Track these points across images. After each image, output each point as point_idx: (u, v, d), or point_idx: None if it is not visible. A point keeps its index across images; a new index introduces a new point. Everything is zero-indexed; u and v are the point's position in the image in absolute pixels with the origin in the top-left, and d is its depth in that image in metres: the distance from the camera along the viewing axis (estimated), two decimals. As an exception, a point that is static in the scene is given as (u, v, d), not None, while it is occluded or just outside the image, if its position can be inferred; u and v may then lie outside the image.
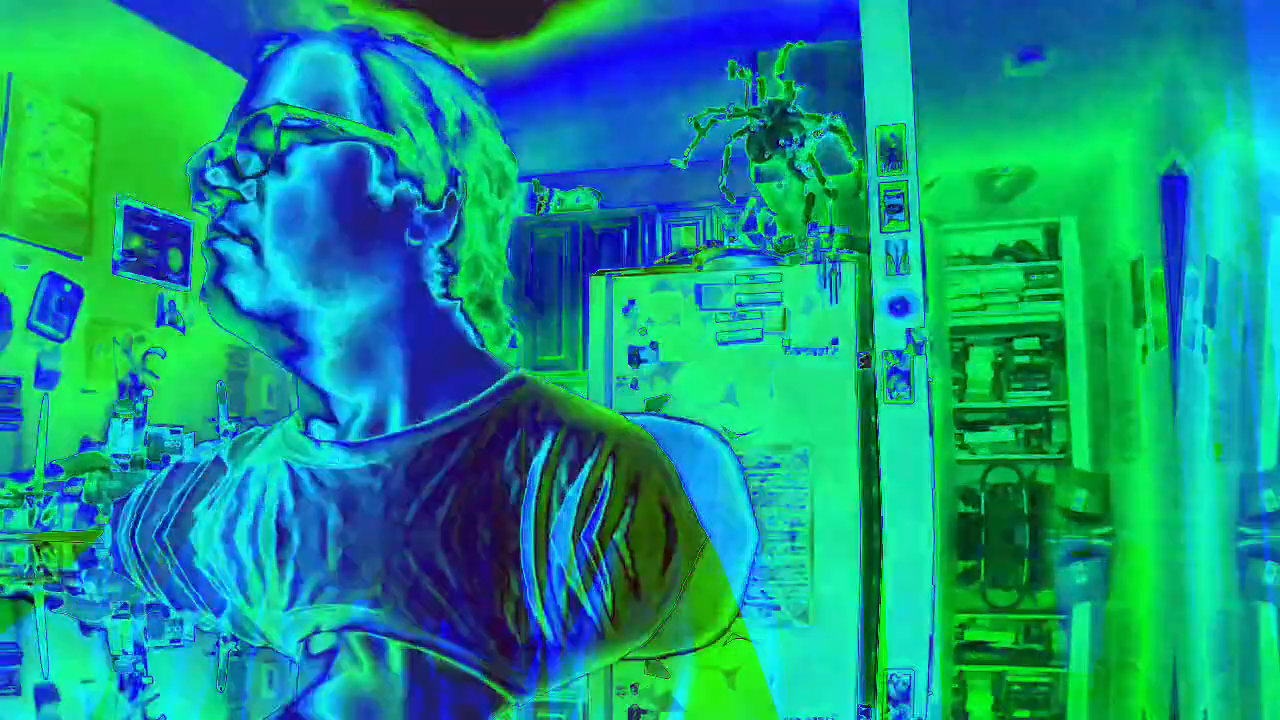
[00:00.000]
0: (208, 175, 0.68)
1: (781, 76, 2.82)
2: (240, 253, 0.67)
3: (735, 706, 0.73)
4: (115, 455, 2.94)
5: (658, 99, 4.02)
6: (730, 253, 2.78)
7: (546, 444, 0.69)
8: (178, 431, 3.19)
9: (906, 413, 2.60)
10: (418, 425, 0.72)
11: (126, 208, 3.40)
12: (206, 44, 3.67)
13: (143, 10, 3.44)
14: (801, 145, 2.74)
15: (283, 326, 0.69)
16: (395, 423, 0.72)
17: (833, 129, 2.72)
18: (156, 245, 3.53)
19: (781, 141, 2.76)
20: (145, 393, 3.24)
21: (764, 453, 2.51)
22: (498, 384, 0.75)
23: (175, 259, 3.62)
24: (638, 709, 0.67)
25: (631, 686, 0.70)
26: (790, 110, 2.78)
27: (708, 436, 0.85)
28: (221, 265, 0.68)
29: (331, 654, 0.69)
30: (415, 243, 0.72)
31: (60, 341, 3.11)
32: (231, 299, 0.67)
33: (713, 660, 0.79)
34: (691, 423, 0.85)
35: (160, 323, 3.53)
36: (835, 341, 2.56)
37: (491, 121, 0.77)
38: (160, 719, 0.75)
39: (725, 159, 2.76)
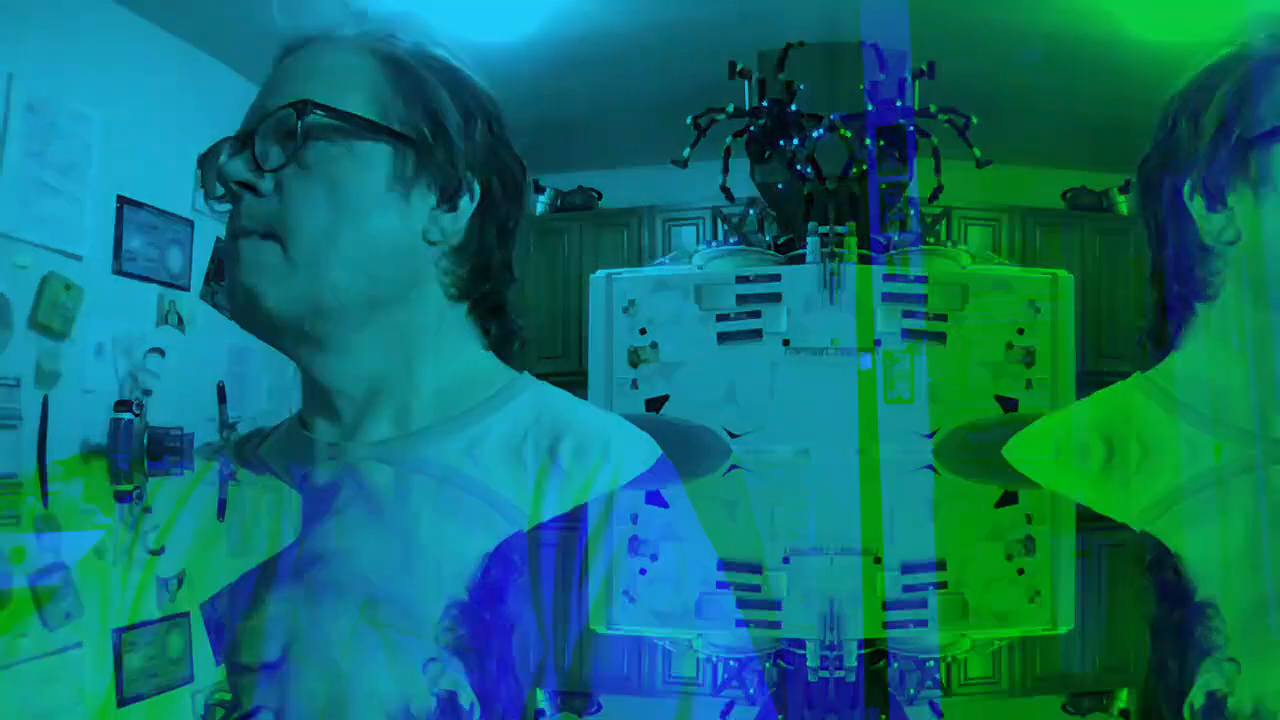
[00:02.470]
0: (226, 168, 0.68)
1: (781, 76, 2.83)
2: (266, 251, 0.67)
3: (733, 537, 0.74)
4: (115, 455, 2.94)
5: (658, 99, 4.02)
6: (731, 252, 2.79)
7: (550, 448, 0.70)
8: (178, 431, 3.19)
9: (907, 413, 2.60)
10: (424, 425, 0.72)
11: (126, 208, 3.40)
12: (207, 44, 3.67)
13: (143, 10, 3.44)
14: (801, 145, 2.75)
15: (302, 324, 0.69)
16: (401, 422, 0.73)
17: (832, 129, 2.72)
18: (156, 245, 3.54)
19: (781, 142, 2.77)
20: (145, 393, 3.24)
21: (763, 452, 2.51)
22: (504, 386, 0.75)
23: (175, 259, 3.62)
24: (638, 539, 0.68)
25: (632, 517, 0.70)
26: (790, 110, 2.78)
27: (712, 440, 0.86)
28: (246, 264, 0.68)
29: (335, 484, 0.71)
30: (429, 243, 0.72)
31: (60, 341, 3.11)
32: (257, 298, 0.67)
33: (713, 491, 0.81)
34: (697, 425, 0.85)
35: (160, 323, 3.53)
36: (835, 341, 2.56)
37: (505, 128, 0.78)
38: (160, 550, 0.76)
39: (725, 159, 2.77)
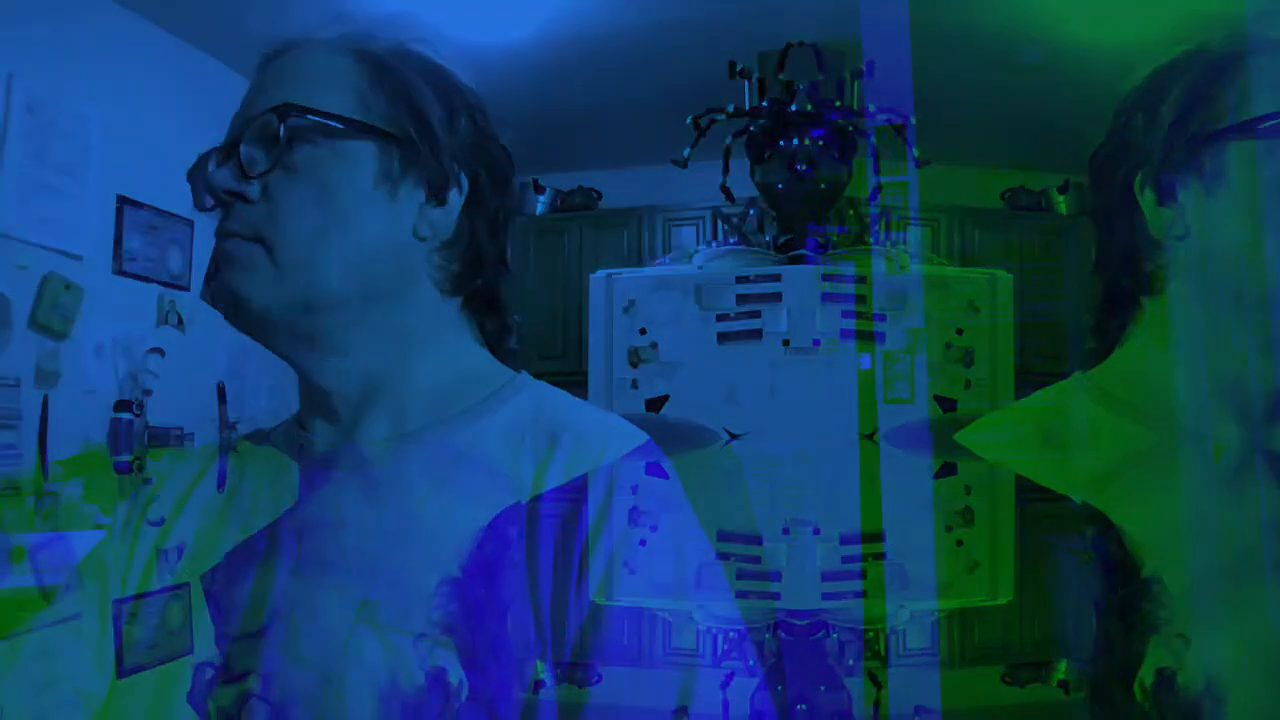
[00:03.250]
0: (213, 178, 0.68)
1: (781, 76, 2.83)
2: (252, 251, 0.67)
3: (729, 505, 0.75)
4: (115, 455, 2.94)
5: (658, 99, 4.01)
6: (731, 252, 2.79)
7: (548, 448, 0.69)
8: (178, 431, 3.19)
9: (906, 412, 2.60)
10: (421, 426, 0.72)
11: (126, 208, 3.40)
12: (207, 44, 3.67)
13: (143, 10, 3.44)
14: (802, 145, 2.75)
15: (292, 324, 0.69)
16: (399, 423, 0.73)
17: (833, 128, 2.72)
18: (156, 245, 3.53)
19: (781, 142, 2.76)
20: (146, 393, 3.24)
21: (763, 452, 2.51)
22: (502, 385, 0.75)
23: (175, 259, 3.62)
24: (638, 509, 0.68)
25: (631, 487, 0.71)
26: (790, 110, 2.78)
27: (710, 439, 0.86)
28: (232, 265, 0.68)
29: (333, 457, 0.71)
30: (419, 239, 0.73)
31: (60, 341, 3.10)
32: (243, 298, 0.67)
33: (711, 462, 0.81)
34: (698, 426, 0.85)
35: (160, 323, 3.53)
36: (835, 341, 2.56)
37: (489, 120, 0.78)
38: (160, 520, 0.76)
39: (725, 159, 2.77)
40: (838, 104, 2.75)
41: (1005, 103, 2.85)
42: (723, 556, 0.70)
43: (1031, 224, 4.40)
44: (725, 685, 0.64)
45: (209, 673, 0.67)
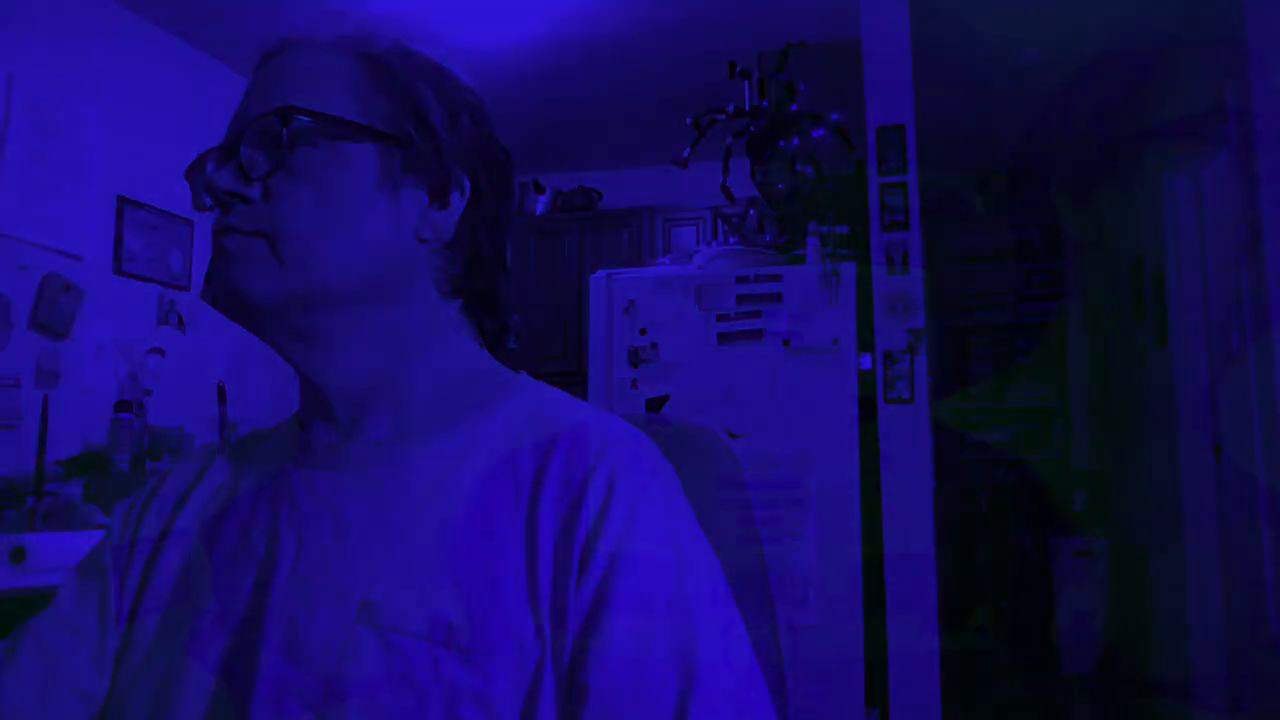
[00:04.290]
0: (214, 179, 0.68)
1: (782, 76, 2.82)
2: (253, 245, 0.67)
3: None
4: (115, 455, 2.94)
5: (658, 99, 4.02)
6: (731, 252, 2.78)
7: (547, 448, 0.69)
8: (178, 431, 3.19)
9: (906, 412, 2.60)
10: (419, 427, 0.72)
11: (126, 208, 3.40)
12: (207, 45, 3.67)
13: (143, 10, 3.44)
14: (802, 145, 2.74)
15: (292, 321, 0.68)
16: (399, 423, 0.72)
17: (833, 128, 2.72)
18: (156, 245, 3.54)
19: (781, 142, 2.76)
20: (145, 393, 3.24)
21: (763, 452, 2.51)
22: (501, 386, 0.75)
23: (175, 259, 3.62)
24: (639, 489, 0.68)
25: (630, 469, 0.70)
26: (790, 110, 2.78)
27: (713, 441, 0.85)
28: (232, 259, 0.67)
29: (331, 456, 0.71)
30: (420, 241, 0.72)
31: (60, 341, 3.10)
32: (244, 291, 0.67)
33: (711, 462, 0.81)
34: (698, 426, 0.85)
35: (160, 323, 3.53)
36: (835, 341, 2.56)
37: (488, 121, 0.77)
38: (160, 520, 0.77)
39: (725, 159, 2.76)
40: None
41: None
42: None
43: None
44: (727, 660, 0.64)
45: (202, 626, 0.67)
